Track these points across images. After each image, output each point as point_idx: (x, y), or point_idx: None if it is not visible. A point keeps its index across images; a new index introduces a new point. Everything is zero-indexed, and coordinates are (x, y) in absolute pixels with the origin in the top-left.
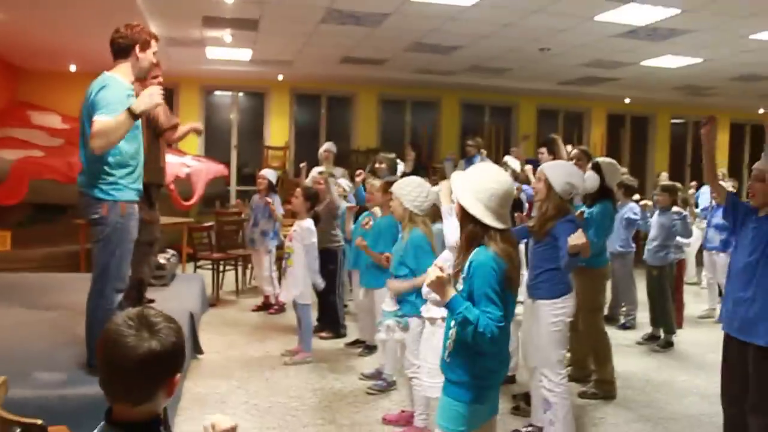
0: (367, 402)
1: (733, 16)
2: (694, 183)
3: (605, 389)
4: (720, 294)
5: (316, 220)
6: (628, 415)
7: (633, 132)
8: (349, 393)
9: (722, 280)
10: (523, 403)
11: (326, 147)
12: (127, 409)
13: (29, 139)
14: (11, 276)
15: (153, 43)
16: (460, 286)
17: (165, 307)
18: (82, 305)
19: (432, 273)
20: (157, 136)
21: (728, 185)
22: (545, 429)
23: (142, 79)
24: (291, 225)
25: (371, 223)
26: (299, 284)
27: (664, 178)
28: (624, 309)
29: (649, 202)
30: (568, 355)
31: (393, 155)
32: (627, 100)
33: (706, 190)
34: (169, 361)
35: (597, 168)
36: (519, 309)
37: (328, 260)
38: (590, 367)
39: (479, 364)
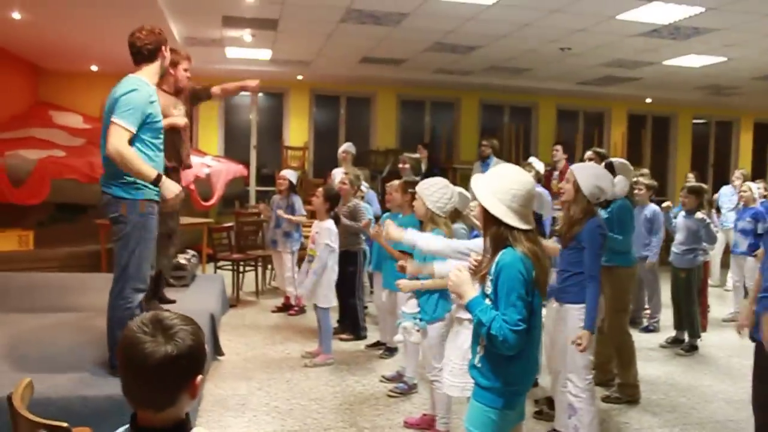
0: (389, 405)
1: (758, 14)
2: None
3: (629, 393)
4: (746, 297)
5: (336, 221)
6: (653, 421)
7: (654, 132)
8: (370, 395)
9: (751, 284)
10: (546, 408)
11: (345, 147)
12: (151, 415)
13: (51, 138)
14: (33, 275)
15: (186, 63)
16: (488, 289)
17: (185, 308)
18: (103, 305)
19: (452, 274)
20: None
21: (760, 187)
22: None
23: (177, 93)
24: (310, 226)
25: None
26: (323, 287)
27: (691, 180)
28: (647, 311)
29: (670, 204)
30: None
31: (417, 155)
32: (648, 100)
33: (725, 191)
34: (187, 364)
35: (610, 168)
36: (542, 312)
37: (349, 262)
38: (613, 371)
39: (510, 369)
